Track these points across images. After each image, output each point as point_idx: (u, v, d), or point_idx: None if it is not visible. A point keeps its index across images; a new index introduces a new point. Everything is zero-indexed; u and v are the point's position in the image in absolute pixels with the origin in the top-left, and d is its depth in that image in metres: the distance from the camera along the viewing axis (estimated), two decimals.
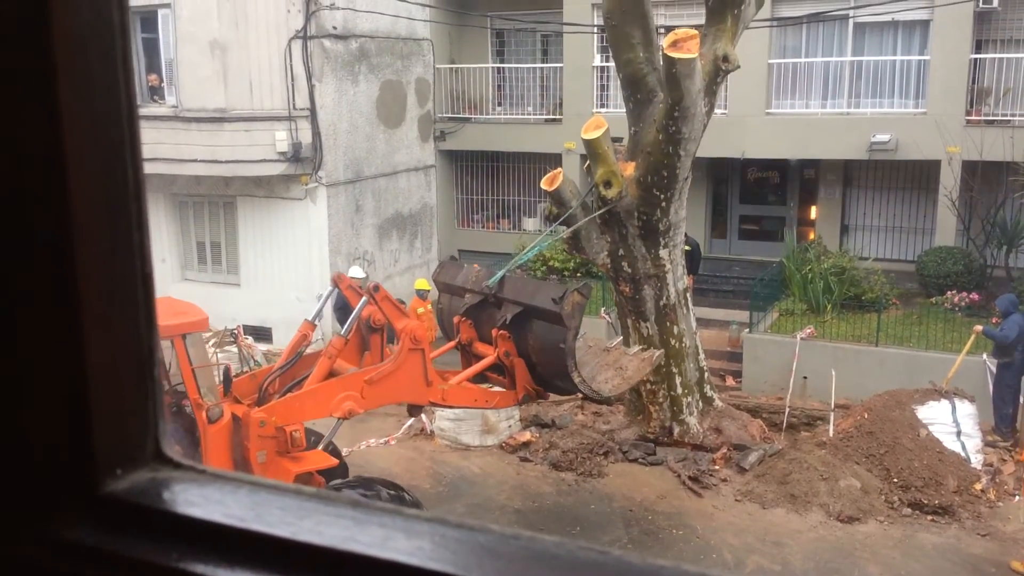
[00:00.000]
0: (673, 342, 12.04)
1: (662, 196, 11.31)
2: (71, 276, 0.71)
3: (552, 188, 11.60)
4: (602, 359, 10.11)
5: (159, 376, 0.79)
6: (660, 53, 10.65)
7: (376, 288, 9.33)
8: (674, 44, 10.05)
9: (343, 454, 12.11)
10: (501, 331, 9.54)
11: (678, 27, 10.92)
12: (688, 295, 12.46)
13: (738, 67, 11.31)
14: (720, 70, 11.13)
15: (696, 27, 10.97)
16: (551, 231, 12.20)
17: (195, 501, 0.72)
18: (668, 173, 11.12)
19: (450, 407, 10.12)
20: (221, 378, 9.34)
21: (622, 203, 11.27)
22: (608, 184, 11.11)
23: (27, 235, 0.70)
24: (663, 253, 11.72)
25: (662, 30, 18.03)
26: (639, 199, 11.36)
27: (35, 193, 0.69)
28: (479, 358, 9.87)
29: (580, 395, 10.08)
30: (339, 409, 8.52)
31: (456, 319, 10.13)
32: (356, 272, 14.68)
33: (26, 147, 0.69)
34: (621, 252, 11.79)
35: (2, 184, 0.68)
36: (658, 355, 10.52)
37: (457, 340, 10.15)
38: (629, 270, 11.83)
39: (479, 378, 9.99)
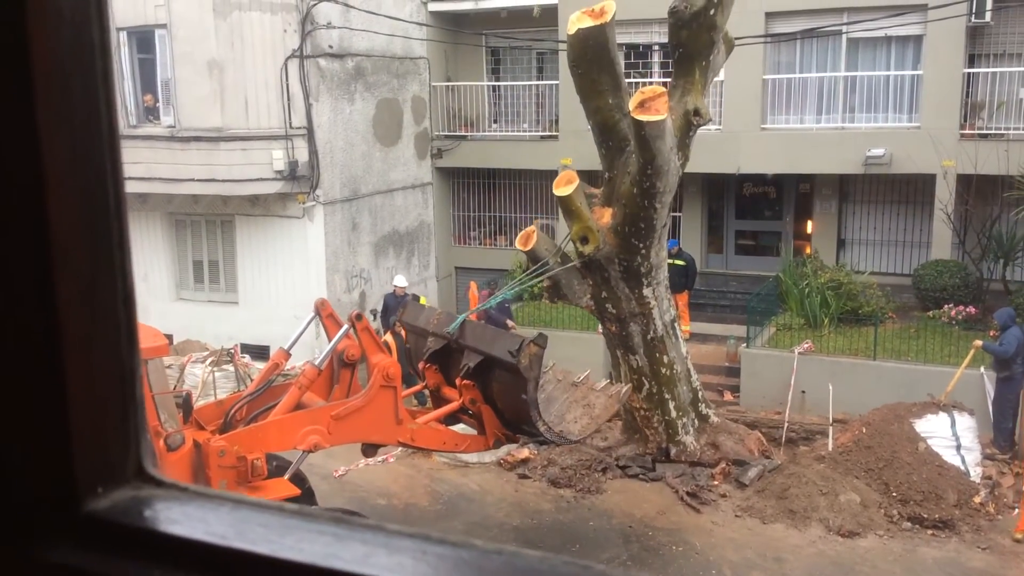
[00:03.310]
0: (664, 370, 11.95)
1: (641, 244, 11.14)
2: (51, 296, 0.71)
3: (528, 248, 11.39)
4: (571, 395, 10.13)
5: (140, 394, 0.79)
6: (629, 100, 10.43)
7: (359, 317, 9.12)
8: (641, 105, 9.79)
9: (341, 472, 12.08)
10: (464, 380, 9.48)
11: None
12: (676, 324, 12.29)
13: (710, 120, 11.03)
14: (692, 125, 10.88)
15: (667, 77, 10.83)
16: (525, 276, 12.08)
17: (177, 519, 0.72)
18: (645, 224, 10.96)
19: (419, 448, 9.81)
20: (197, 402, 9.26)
21: (601, 252, 11.13)
22: (585, 240, 10.94)
23: (6, 255, 0.70)
24: (647, 292, 11.56)
25: (656, 47, 18.17)
26: (618, 247, 11.19)
27: (14, 213, 0.70)
28: (447, 401, 9.81)
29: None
30: (304, 442, 8.33)
31: (421, 365, 10.06)
32: (400, 281, 16.35)
33: (5, 167, 0.69)
34: (604, 294, 11.64)
35: None
36: (625, 390, 10.51)
37: (424, 385, 10.07)
38: (614, 311, 11.70)
39: (451, 419, 9.86)
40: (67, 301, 0.72)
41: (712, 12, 10.48)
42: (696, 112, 10.80)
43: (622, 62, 11.21)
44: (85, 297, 0.74)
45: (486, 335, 9.84)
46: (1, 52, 0.67)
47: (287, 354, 9.50)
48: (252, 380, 14.13)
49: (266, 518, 0.71)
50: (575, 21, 10.28)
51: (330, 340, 9.33)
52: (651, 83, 17.92)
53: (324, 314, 9.53)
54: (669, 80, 11.64)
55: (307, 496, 9.46)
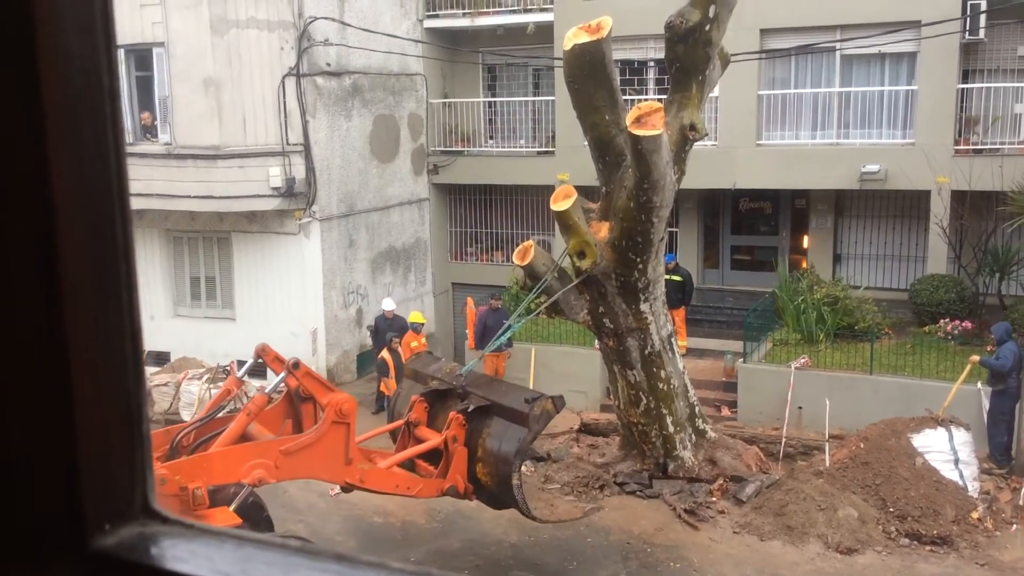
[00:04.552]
0: (661, 385, 11.93)
1: (638, 259, 11.12)
2: (60, 335, 0.73)
3: (525, 263, 11.33)
4: (536, 495, 10.32)
5: (147, 430, 0.80)
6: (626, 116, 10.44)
7: (296, 364, 8.95)
8: (638, 120, 9.78)
9: (337, 491, 12.03)
10: (458, 415, 9.45)
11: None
12: (673, 340, 12.26)
13: (706, 135, 11.00)
14: (688, 139, 10.88)
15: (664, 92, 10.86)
16: (525, 306, 12.19)
17: (183, 557, 0.73)
18: (643, 239, 10.94)
19: (367, 490, 9.51)
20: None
21: (598, 267, 11.10)
22: (582, 255, 10.91)
23: (17, 295, 0.71)
24: (644, 307, 11.53)
25: (652, 63, 18.25)
26: (615, 262, 11.16)
27: (25, 252, 0.71)
28: (419, 441, 9.74)
29: (518, 508, 9.71)
30: (249, 475, 8.15)
31: (413, 398, 10.03)
32: (388, 304, 16.55)
33: (17, 208, 0.71)
34: (601, 309, 11.60)
35: None
36: (590, 509, 10.61)
37: (406, 419, 9.97)
38: (611, 325, 11.67)
39: (407, 465, 9.76)
40: (75, 338, 0.73)
41: (708, 28, 10.51)
42: (692, 127, 10.80)
43: (618, 78, 11.23)
44: (93, 335, 0.75)
45: (500, 387, 10.06)
46: (14, 97, 0.69)
47: (239, 382, 9.55)
48: (248, 397, 14.13)
49: (271, 556, 0.72)
50: (571, 37, 10.27)
51: (284, 383, 9.29)
52: (646, 99, 18.01)
53: (268, 359, 9.44)
54: (665, 96, 11.68)
55: (264, 524, 9.29)
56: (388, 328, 15.86)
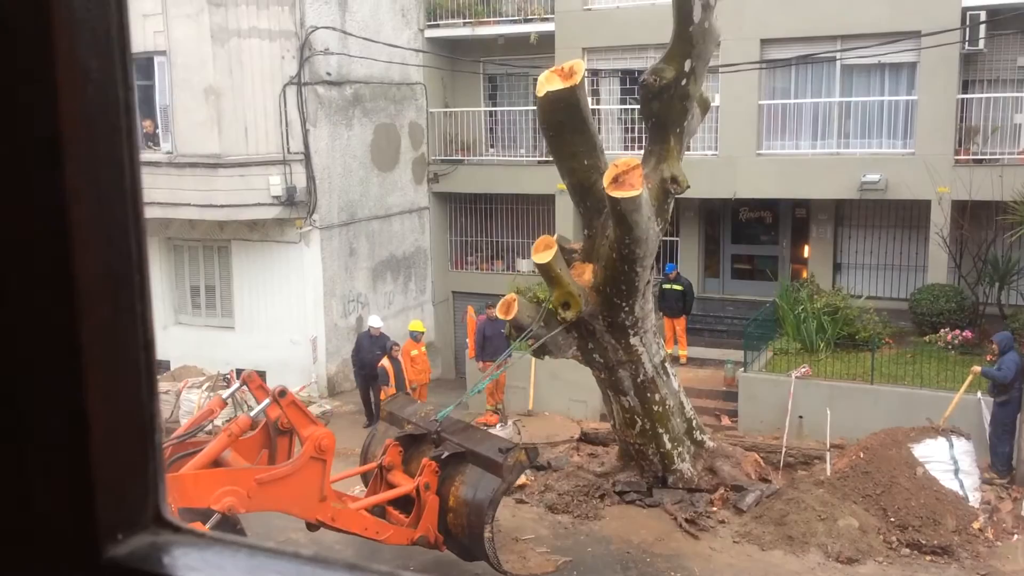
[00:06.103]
0: (656, 408, 11.80)
1: (623, 304, 10.90)
2: (75, 345, 0.73)
3: (510, 317, 11.11)
4: (509, 546, 10.34)
5: (159, 440, 0.81)
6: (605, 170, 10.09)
7: (282, 392, 8.89)
8: (616, 180, 9.55)
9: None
10: (431, 462, 9.42)
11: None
12: (667, 364, 12.10)
13: (688, 187, 10.76)
14: (669, 192, 10.65)
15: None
16: (504, 359, 12.20)
17: (195, 566, 0.73)
18: (627, 286, 10.74)
19: (336, 530, 9.37)
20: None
21: (584, 313, 10.85)
22: (566, 305, 10.66)
23: (31, 307, 0.72)
24: (634, 340, 11.33)
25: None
26: (601, 306, 10.96)
27: (40, 266, 0.72)
28: (392, 486, 9.70)
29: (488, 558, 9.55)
30: (219, 502, 8.02)
31: (388, 441, 10.01)
32: (375, 321, 16.20)
33: (32, 220, 0.71)
34: (591, 346, 11.44)
35: (9, 258, 0.71)
36: (563, 563, 10.68)
37: (379, 462, 9.92)
38: (601, 360, 11.54)
39: (378, 511, 9.72)
40: (90, 349, 0.74)
41: (684, 82, 10.24)
42: (674, 180, 10.57)
43: (595, 121, 10.99)
44: (107, 345, 0.75)
45: (475, 435, 10.06)
46: (31, 110, 0.69)
47: (224, 403, 9.60)
48: (248, 406, 14.14)
49: (282, 565, 0.73)
50: (544, 83, 9.90)
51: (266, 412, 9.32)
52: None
53: (253, 387, 9.49)
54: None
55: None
56: (371, 346, 15.74)
